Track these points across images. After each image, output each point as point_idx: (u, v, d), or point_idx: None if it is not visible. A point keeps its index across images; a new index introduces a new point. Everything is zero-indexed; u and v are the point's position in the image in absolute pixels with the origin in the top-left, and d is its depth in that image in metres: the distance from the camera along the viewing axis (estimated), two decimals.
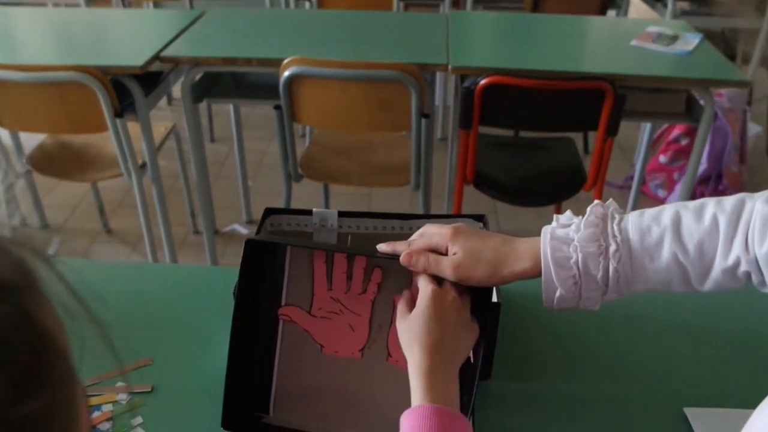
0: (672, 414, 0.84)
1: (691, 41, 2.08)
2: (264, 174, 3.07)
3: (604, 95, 1.79)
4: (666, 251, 0.66)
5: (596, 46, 2.25)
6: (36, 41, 2.16)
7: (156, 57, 1.92)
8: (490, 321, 0.74)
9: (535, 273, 0.70)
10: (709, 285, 0.66)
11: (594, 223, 0.68)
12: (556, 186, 2.12)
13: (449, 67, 1.89)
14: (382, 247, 0.76)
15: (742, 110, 2.81)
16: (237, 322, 0.77)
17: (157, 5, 3.46)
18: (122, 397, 0.85)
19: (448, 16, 2.36)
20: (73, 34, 2.21)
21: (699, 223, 0.66)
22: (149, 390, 0.86)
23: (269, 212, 0.89)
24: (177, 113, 3.50)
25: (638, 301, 0.80)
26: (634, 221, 0.68)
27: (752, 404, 0.60)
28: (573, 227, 0.69)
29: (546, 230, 0.71)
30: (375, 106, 1.88)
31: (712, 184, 2.80)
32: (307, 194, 2.49)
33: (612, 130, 1.85)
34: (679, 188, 2.78)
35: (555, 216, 0.72)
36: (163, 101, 3.56)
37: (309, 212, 0.89)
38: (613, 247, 0.67)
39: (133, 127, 1.98)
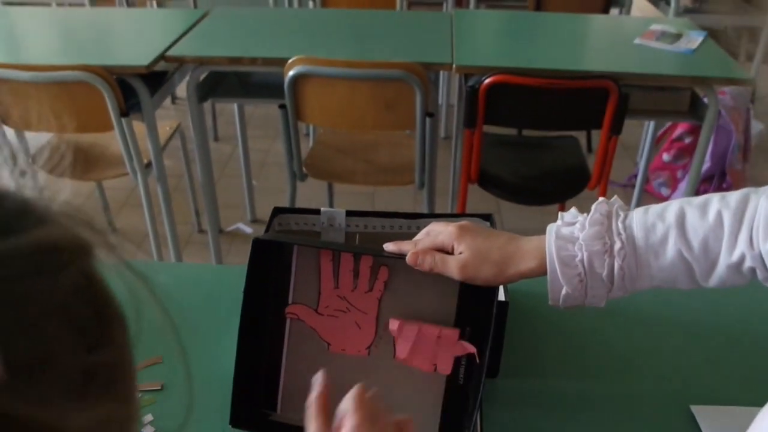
0: (679, 412, 0.84)
1: (694, 39, 2.08)
2: (268, 173, 3.08)
3: (607, 94, 1.80)
4: (671, 248, 0.66)
5: (600, 45, 2.25)
6: (41, 41, 2.16)
7: (161, 56, 1.93)
8: (497, 320, 0.74)
9: (540, 272, 0.71)
10: (714, 281, 0.67)
11: (599, 221, 0.69)
12: (560, 185, 2.12)
13: (453, 66, 1.89)
14: (389, 246, 0.77)
15: (745, 108, 2.81)
16: (245, 321, 0.78)
17: (161, 5, 3.46)
18: None
19: (451, 15, 2.37)
20: (78, 33, 2.22)
21: (703, 219, 0.66)
22: (159, 388, 0.87)
23: (277, 211, 0.90)
24: (181, 112, 3.51)
25: (645, 298, 0.80)
26: (639, 218, 0.68)
27: (759, 402, 0.60)
28: (578, 225, 0.70)
29: (551, 229, 0.71)
30: (379, 105, 1.88)
31: (715, 183, 2.80)
32: (311, 193, 2.50)
33: (616, 129, 1.85)
34: (682, 186, 2.78)
35: (560, 214, 0.73)
36: (168, 100, 3.57)
37: (317, 212, 0.90)
38: (618, 245, 0.67)
39: (138, 127, 1.99)
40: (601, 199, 0.71)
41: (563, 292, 0.69)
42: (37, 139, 2.30)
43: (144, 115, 1.97)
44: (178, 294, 1.04)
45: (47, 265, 0.28)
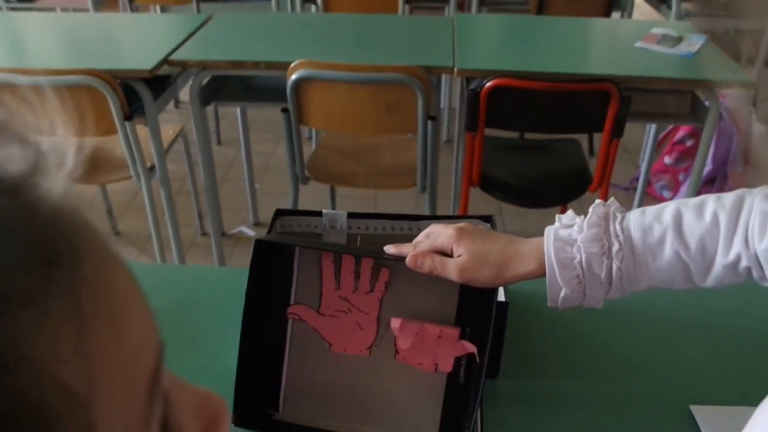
0: (678, 412, 0.85)
1: (695, 42, 2.08)
2: (271, 176, 3.09)
3: (609, 97, 1.80)
4: (668, 249, 0.67)
5: (601, 48, 2.26)
6: (46, 46, 2.18)
7: (164, 61, 1.94)
8: (497, 320, 0.75)
9: (539, 274, 0.71)
10: (710, 281, 0.68)
11: (596, 223, 0.69)
12: (561, 187, 2.13)
13: (455, 69, 1.90)
14: (389, 249, 0.78)
15: (747, 111, 2.81)
16: (247, 321, 0.79)
17: (164, 10, 3.48)
18: None
19: (453, 19, 2.38)
20: (83, 38, 2.23)
21: (700, 220, 0.67)
22: None
23: (279, 213, 0.90)
24: (184, 116, 3.52)
25: (644, 299, 0.81)
26: (636, 220, 0.69)
27: (758, 402, 0.61)
28: (576, 227, 0.70)
29: (549, 231, 0.72)
30: (381, 108, 1.89)
31: (717, 186, 2.80)
32: (313, 196, 2.51)
33: (617, 132, 1.86)
34: (684, 189, 2.78)
35: (557, 216, 0.74)
36: (171, 104, 3.59)
37: (319, 213, 0.91)
38: (615, 247, 0.68)
39: (142, 130, 2.00)
40: (598, 201, 0.71)
41: (562, 293, 0.70)
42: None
43: (147, 119, 1.98)
44: (182, 295, 1.05)
45: None
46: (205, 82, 2.09)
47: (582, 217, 0.71)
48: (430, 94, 1.85)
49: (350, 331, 0.81)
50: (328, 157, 2.26)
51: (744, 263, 0.65)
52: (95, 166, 2.21)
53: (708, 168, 2.76)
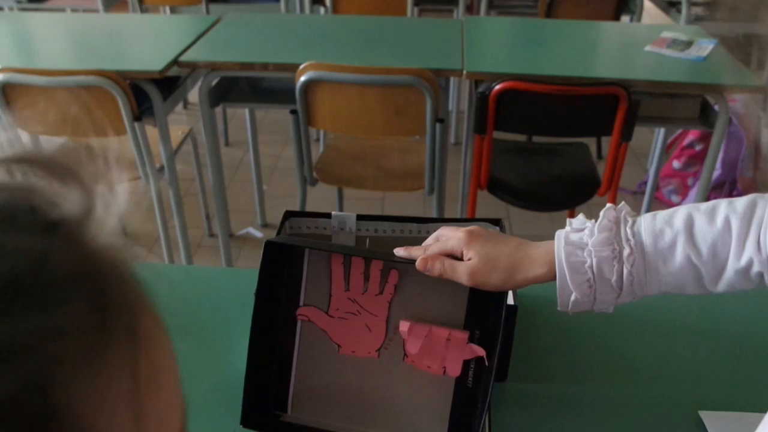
0: (687, 417, 0.84)
1: (705, 47, 2.08)
2: (278, 178, 3.09)
3: (618, 101, 1.80)
4: (679, 253, 0.67)
5: (610, 52, 2.26)
6: (56, 46, 2.19)
7: (174, 62, 1.95)
8: (506, 323, 0.75)
9: (549, 277, 0.71)
10: (722, 286, 0.67)
11: (607, 227, 0.69)
12: (570, 191, 2.12)
13: (464, 72, 1.90)
14: (399, 252, 0.78)
15: (756, 116, 2.80)
16: (256, 322, 0.79)
17: (174, 11, 3.50)
18: None
19: (462, 22, 2.38)
20: (92, 39, 2.24)
21: (711, 224, 0.67)
22: None
23: (289, 215, 0.91)
24: (193, 117, 3.53)
25: (654, 304, 0.81)
26: (647, 224, 0.69)
27: None
28: (586, 231, 0.70)
29: (560, 235, 0.72)
30: (390, 110, 1.89)
31: (726, 190, 2.79)
32: (321, 198, 2.51)
33: (626, 136, 1.86)
34: (692, 194, 2.77)
35: (568, 220, 0.73)
36: (180, 105, 3.59)
37: (328, 215, 0.91)
38: (626, 251, 0.68)
39: (151, 131, 2.01)
40: (609, 205, 0.71)
41: (572, 297, 0.70)
42: (51, 143, 2.32)
43: (156, 120, 1.99)
44: (190, 296, 1.05)
45: None
46: (214, 83, 2.10)
47: (593, 221, 0.71)
48: (438, 97, 1.85)
49: (359, 333, 0.81)
50: (336, 159, 2.27)
51: (756, 268, 0.65)
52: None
53: (717, 173, 2.75)
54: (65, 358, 0.24)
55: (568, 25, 2.45)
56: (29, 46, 2.19)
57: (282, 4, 3.40)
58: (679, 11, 3.15)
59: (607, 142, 1.95)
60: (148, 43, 2.18)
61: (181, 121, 3.51)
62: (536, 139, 2.51)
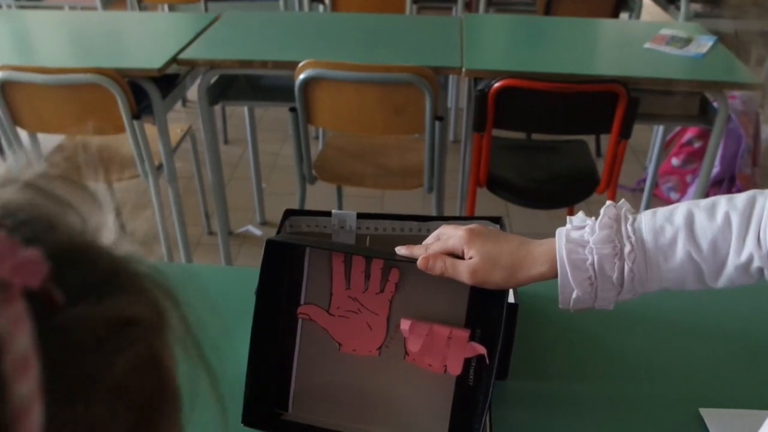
0: (688, 415, 0.84)
1: (704, 44, 2.08)
2: (278, 176, 3.09)
3: (617, 98, 1.80)
4: (680, 250, 0.67)
5: (609, 49, 2.25)
6: (54, 44, 2.19)
7: (173, 60, 1.94)
8: (507, 322, 0.75)
9: (551, 275, 0.71)
10: (722, 282, 0.67)
11: (608, 224, 0.69)
12: (569, 188, 2.12)
13: (463, 70, 1.90)
14: (400, 250, 0.78)
15: (755, 113, 2.80)
16: (257, 321, 0.79)
17: (172, 9, 3.49)
18: None
19: (461, 19, 2.38)
20: (91, 37, 2.24)
21: (711, 221, 0.67)
22: None
23: (289, 213, 0.90)
24: (192, 115, 3.53)
25: (654, 301, 0.81)
26: (648, 221, 0.69)
27: None
28: (587, 229, 0.70)
29: (561, 232, 0.72)
30: (389, 108, 1.89)
31: (725, 187, 2.79)
32: (320, 196, 2.51)
33: (625, 133, 1.86)
34: (691, 191, 2.78)
35: (568, 218, 0.73)
36: (179, 103, 3.59)
37: (328, 214, 0.91)
38: (627, 248, 0.68)
39: (150, 129, 2.00)
40: (609, 202, 0.71)
41: (574, 295, 0.70)
42: (50, 141, 2.32)
43: (155, 118, 1.99)
44: (190, 295, 1.05)
45: (116, 339, 0.27)
46: (213, 81, 2.09)
47: (593, 218, 0.71)
48: (437, 95, 1.84)
49: (360, 332, 0.81)
50: (335, 157, 2.26)
51: (756, 263, 0.65)
52: (103, 165, 2.21)
53: (716, 170, 2.75)
54: (165, 334, 0.29)
55: (567, 22, 2.45)
56: (27, 44, 2.19)
57: (281, 2, 3.40)
58: (678, 8, 3.15)
59: (606, 140, 1.95)
60: (147, 41, 2.18)
61: (180, 119, 3.50)
62: (535, 136, 2.51)
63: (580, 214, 0.73)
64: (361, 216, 0.91)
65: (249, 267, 0.83)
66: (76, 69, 1.82)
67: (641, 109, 1.84)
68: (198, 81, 2.06)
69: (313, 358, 0.83)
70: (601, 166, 2.01)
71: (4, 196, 0.27)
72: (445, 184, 2.10)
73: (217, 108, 3.03)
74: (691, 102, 2.09)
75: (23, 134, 2.08)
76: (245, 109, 2.64)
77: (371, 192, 2.86)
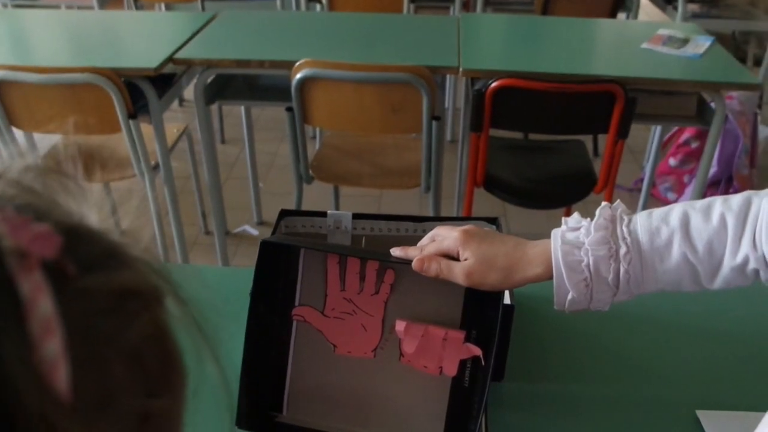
0: (684, 416, 0.84)
1: (701, 44, 2.08)
2: (275, 175, 3.09)
3: (614, 98, 1.80)
4: (675, 251, 0.67)
5: (607, 49, 2.25)
6: (50, 43, 2.18)
7: (169, 59, 1.94)
8: (502, 323, 0.74)
9: (547, 277, 0.71)
10: (718, 283, 0.67)
11: (603, 225, 0.69)
12: (566, 188, 2.12)
13: (460, 69, 1.89)
14: (396, 252, 0.77)
15: (752, 113, 2.80)
16: (252, 322, 0.79)
17: (169, 8, 3.48)
18: None
19: (458, 19, 2.37)
20: (87, 36, 2.23)
21: (707, 222, 0.67)
22: None
23: (284, 214, 0.90)
24: (188, 115, 3.52)
25: (650, 302, 0.80)
26: (643, 222, 0.69)
27: (766, 407, 0.60)
28: (583, 230, 0.70)
29: (556, 234, 0.71)
30: (386, 108, 1.89)
31: (722, 188, 2.79)
32: (317, 196, 2.50)
33: (622, 133, 1.85)
34: (689, 191, 2.78)
35: (563, 219, 0.73)
36: (175, 103, 3.59)
37: (323, 214, 0.90)
38: (623, 250, 0.68)
39: (146, 129, 2.00)
40: (604, 203, 0.71)
41: (569, 296, 0.70)
42: (45, 140, 2.31)
43: (152, 117, 1.98)
44: (186, 295, 1.05)
45: (125, 307, 0.29)
46: (209, 80, 2.09)
47: (588, 219, 0.71)
48: (434, 94, 1.84)
49: (355, 334, 0.81)
50: (332, 157, 2.26)
51: (752, 265, 0.65)
52: (99, 165, 2.21)
53: (713, 170, 2.75)
54: (164, 310, 0.31)
55: (564, 22, 2.45)
56: (23, 43, 2.18)
57: (278, 1, 3.39)
58: (675, 8, 3.15)
59: (604, 140, 1.94)
60: (143, 40, 2.17)
61: (177, 118, 3.49)
62: (533, 136, 2.51)
63: (576, 215, 0.73)
64: (356, 216, 0.91)
65: (245, 267, 0.83)
66: (72, 68, 1.81)
67: (638, 109, 1.84)
68: (195, 80, 2.06)
69: (308, 360, 0.82)
70: (599, 166, 2.01)
71: None
72: (442, 183, 2.10)
73: (214, 107, 3.03)
74: (688, 102, 2.09)
75: (19, 134, 2.08)
76: (242, 109, 2.63)
77: (368, 191, 2.85)
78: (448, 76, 2.81)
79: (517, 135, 2.48)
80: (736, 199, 0.67)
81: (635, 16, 3.19)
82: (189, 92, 2.39)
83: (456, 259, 0.74)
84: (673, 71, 1.93)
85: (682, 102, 2.08)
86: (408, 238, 0.89)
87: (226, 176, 3.02)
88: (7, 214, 0.27)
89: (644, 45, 2.08)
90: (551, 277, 0.70)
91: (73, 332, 0.26)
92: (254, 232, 2.70)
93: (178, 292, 0.33)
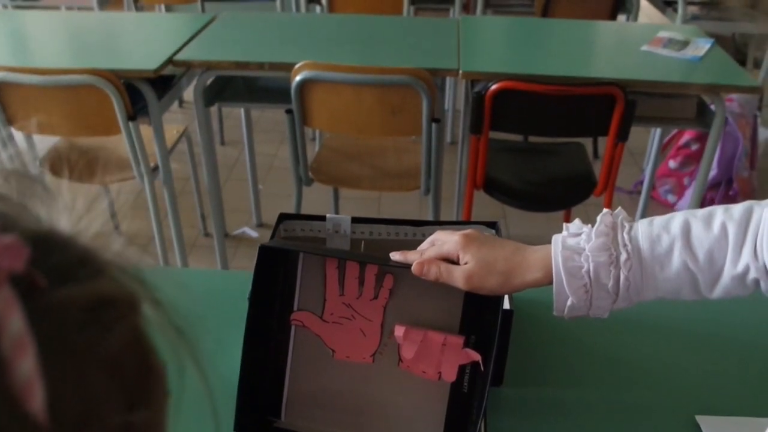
0: (684, 422, 0.84)
1: (701, 46, 2.07)
2: (274, 177, 3.08)
3: (614, 100, 1.79)
4: (676, 259, 0.67)
5: (607, 52, 2.25)
6: (50, 45, 2.18)
7: (169, 61, 1.94)
8: (502, 328, 0.74)
9: (546, 282, 0.71)
10: (718, 292, 0.67)
11: (604, 232, 0.69)
12: (566, 191, 2.12)
13: (460, 72, 1.89)
14: (395, 256, 0.77)
15: (752, 115, 2.80)
16: (250, 327, 0.78)
17: (169, 9, 3.48)
18: None
19: (458, 21, 2.37)
20: (87, 37, 2.23)
21: (708, 231, 0.66)
22: None
23: (283, 217, 0.90)
24: (188, 116, 3.52)
25: (650, 309, 0.80)
26: (644, 230, 0.68)
27: (766, 413, 0.60)
28: (583, 236, 0.70)
29: (557, 239, 0.71)
30: (386, 110, 1.88)
31: (722, 190, 2.79)
32: (317, 198, 2.50)
33: (622, 136, 1.85)
34: (689, 194, 2.77)
35: (564, 225, 0.73)
36: (175, 104, 3.58)
37: (323, 218, 0.90)
38: (623, 256, 0.67)
39: (146, 130, 1.99)
40: (605, 210, 0.71)
41: (569, 302, 0.69)
42: (45, 142, 2.31)
43: (151, 119, 1.98)
44: (185, 299, 1.04)
45: (101, 318, 0.28)
46: (209, 82, 2.08)
47: (589, 225, 0.71)
48: (435, 97, 1.84)
49: (353, 339, 0.81)
50: (331, 159, 2.26)
51: (752, 275, 0.65)
52: (99, 166, 2.21)
53: (713, 172, 2.75)
54: (141, 317, 0.30)
55: (564, 24, 2.44)
56: (23, 45, 2.18)
57: (278, 3, 3.39)
58: (675, 10, 3.15)
59: (604, 142, 1.94)
60: (143, 41, 2.17)
61: (177, 120, 3.49)
62: (532, 139, 2.51)
63: (577, 221, 0.73)
64: (355, 220, 0.90)
65: (244, 270, 0.82)
66: (72, 70, 1.81)
67: (638, 112, 1.84)
68: (194, 82, 2.05)
69: (306, 365, 0.82)
70: (599, 169, 2.01)
71: None
72: (441, 186, 2.10)
73: (214, 109, 3.03)
74: (688, 105, 2.09)
75: (18, 136, 2.07)
76: (242, 111, 2.63)
77: (368, 194, 2.85)
78: (447, 79, 2.81)
79: (517, 137, 2.48)
80: (738, 209, 0.67)
81: (635, 19, 3.19)
82: (189, 94, 2.39)
83: (456, 263, 0.74)
84: (673, 74, 1.93)
85: (681, 104, 2.08)
86: (407, 242, 0.89)
87: (226, 178, 3.02)
88: None
89: (644, 47, 2.08)
90: (551, 283, 0.70)
91: (47, 349, 0.25)
92: (254, 234, 2.70)
93: (154, 296, 0.31)
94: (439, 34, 2.23)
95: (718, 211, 0.68)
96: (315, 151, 2.31)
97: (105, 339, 0.28)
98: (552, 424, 0.84)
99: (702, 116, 2.09)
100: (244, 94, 2.28)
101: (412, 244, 0.80)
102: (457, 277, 0.72)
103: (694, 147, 2.87)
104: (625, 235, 0.68)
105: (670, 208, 2.85)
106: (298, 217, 0.91)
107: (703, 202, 2.46)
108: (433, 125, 1.89)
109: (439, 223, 0.89)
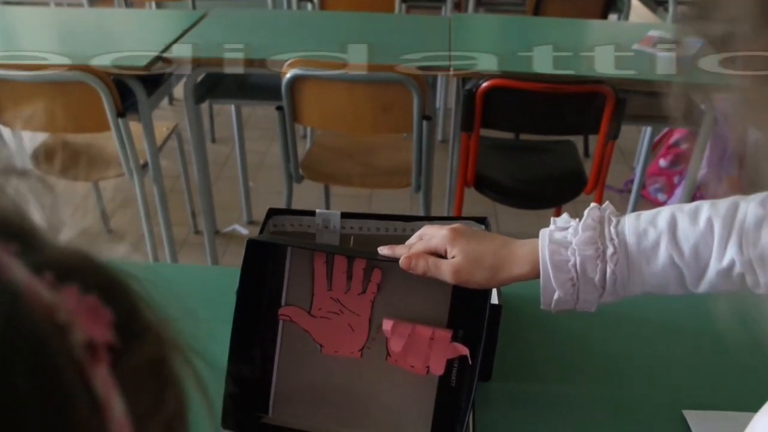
0: (671, 416, 0.84)
1: (692, 46, 2.08)
2: (265, 174, 3.08)
3: (605, 99, 1.80)
4: (662, 254, 0.67)
5: (598, 50, 2.25)
6: (39, 40, 2.16)
7: (159, 57, 1.93)
8: (490, 322, 0.74)
9: (533, 276, 0.71)
10: (704, 287, 0.67)
11: (591, 226, 0.69)
12: (556, 189, 2.12)
13: (451, 69, 1.89)
14: (383, 250, 0.77)
15: (742, 114, 2.81)
16: (238, 322, 0.78)
17: (159, 5, 3.46)
18: None
19: (450, 19, 2.37)
20: (76, 33, 2.22)
21: (694, 225, 0.67)
22: None
23: (272, 212, 0.89)
24: (178, 113, 3.50)
25: (638, 303, 0.80)
26: (631, 224, 0.69)
27: (752, 407, 0.60)
28: (570, 230, 0.70)
29: (544, 233, 0.71)
30: (377, 108, 1.88)
31: (711, 189, 2.80)
32: (307, 195, 2.49)
33: (613, 134, 1.86)
34: (678, 192, 2.78)
35: (552, 219, 0.73)
36: (165, 101, 3.57)
37: (312, 213, 0.90)
38: (610, 250, 0.68)
39: (135, 127, 1.98)
40: (593, 204, 0.71)
41: (555, 296, 0.70)
42: (33, 138, 2.30)
43: (141, 116, 1.97)
44: (174, 295, 1.04)
45: (160, 377, 0.26)
46: (199, 79, 2.08)
47: (577, 220, 0.71)
48: (425, 94, 1.84)
49: (342, 333, 0.80)
50: (322, 156, 2.25)
51: (738, 269, 0.65)
52: (88, 163, 2.19)
53: (703, 171, 2.75)
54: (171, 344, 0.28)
55: (555, 23, 2.45)
56: (12, 41, 2.16)
57: (269, 0, 3.38)
58: (666, 10, 3.16)
59: (594, 140, 1.95)
60: (133, 38, 2.16)
61: (167, 117, 3.47)
62: (523, 136, 2.51)
63: (565, 216, 0.73)
64: (345, 216, 0.90)
65: (233, 266, 0.82)
66: (61, 66, 1.80)
67: (629, 110, 1.84)
68: (184, 79, 2.05)
69: (294, 360, 0.82)
70: (589, 167, 2.01)
71: None
72: (432, 183, 2.10)
73: (204, 106, 3.02)
74: (678, 103, 2.09)
75: (6, 132, 2.06)
76: (232, 108, 2.62)
77: (359, 191, 2.85)
78: (439, 76, 2.81)
79: (508, 135, 2.48)
80: (724, 204, 0.67)
81: (626, 18, 3.20)
82: (179, 90, 2.38)
83: (444, 257, 0.74)
84: (663, 72, 1.93)
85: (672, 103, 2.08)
86: (397, 238, 0.89)
87: (216, 175, 3.00)
88: (72, 290, 0.21)
89: (635, 46, 2.08)
90: (538, 276, 0.70)
91: (137, 419, 0.23)
92: (244, 231, 2.69)
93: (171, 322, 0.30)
94: (431, 31, 2.23)
95: (705, 206, 0.68)
96: (306, 149, 2.31)
97: (166, 398, 0.26)
98: (540, 418, 0.84)
99: (692, 115, 2.09)
100: (235, 91, 2.28)
101: (402, 240, 0.80)
102: (445, 270, 0.72)
103: (684, 146, 2.88)
104: (612, 229, 0.68)
105: (660, 206, 2.86)
106: (287, 212, 0.91)
107: (693, 201, 2.46)
108: (424, 123, 1.89)
109: (428, 219, 0.89)
